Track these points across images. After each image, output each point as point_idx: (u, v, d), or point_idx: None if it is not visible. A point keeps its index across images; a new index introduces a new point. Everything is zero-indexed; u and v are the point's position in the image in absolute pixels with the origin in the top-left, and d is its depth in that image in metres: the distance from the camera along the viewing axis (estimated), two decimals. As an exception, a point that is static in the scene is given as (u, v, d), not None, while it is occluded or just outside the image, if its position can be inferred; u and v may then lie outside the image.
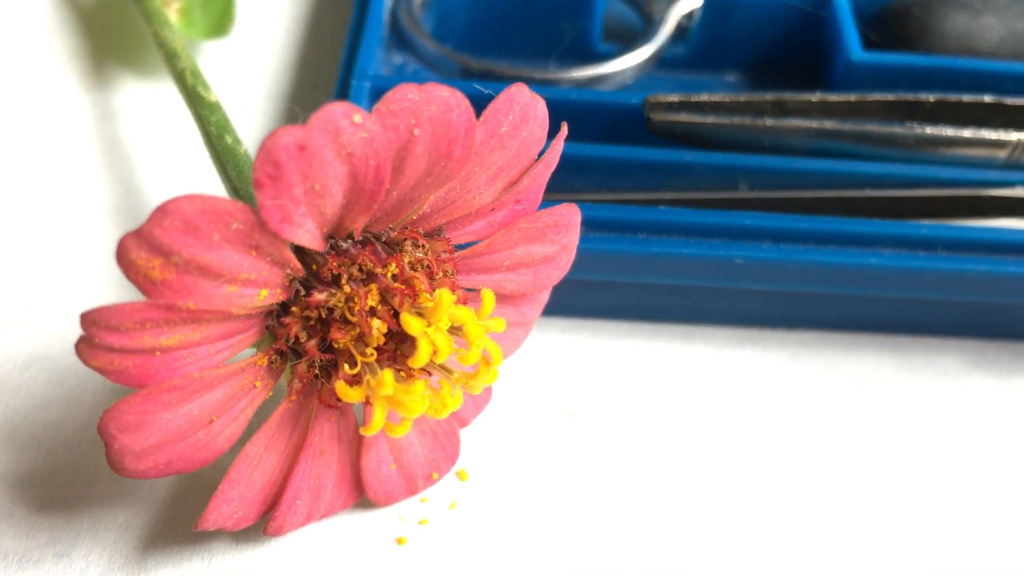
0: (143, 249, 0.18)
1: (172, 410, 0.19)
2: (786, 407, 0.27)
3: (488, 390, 0.26)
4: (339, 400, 0.21)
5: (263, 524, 0.23)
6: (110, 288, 0.28)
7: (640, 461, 0.26)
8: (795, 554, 0.24)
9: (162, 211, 0.17)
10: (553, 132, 0.22)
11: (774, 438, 0.26)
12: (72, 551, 0.23)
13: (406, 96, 0.18)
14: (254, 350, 0.21)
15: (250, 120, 0.33)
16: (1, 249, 0.29)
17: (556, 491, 0.25)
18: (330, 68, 0.35)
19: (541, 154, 0.22)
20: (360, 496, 0.24)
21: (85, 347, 0.18)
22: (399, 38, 0.32)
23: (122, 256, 0.18)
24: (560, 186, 0.27)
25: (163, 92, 0.34)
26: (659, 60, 0.33)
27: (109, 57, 0.35)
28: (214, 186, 0.28)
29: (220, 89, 0.27)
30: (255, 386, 0.21)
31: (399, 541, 0.24)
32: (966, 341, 0.29)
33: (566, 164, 0.26)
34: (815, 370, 0.28)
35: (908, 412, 0.27)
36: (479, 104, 0.20)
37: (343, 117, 0.18)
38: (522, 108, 0.21)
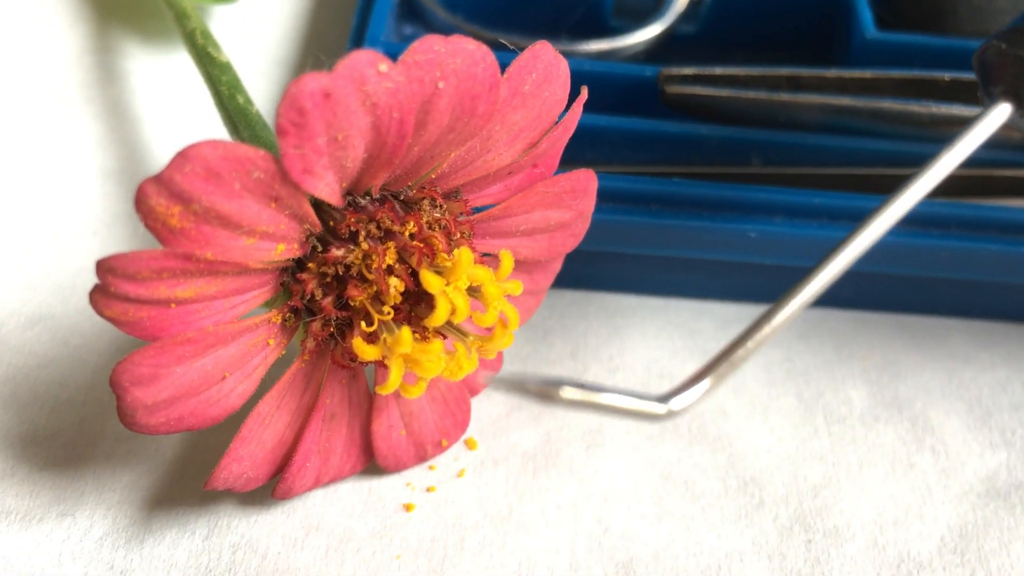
0: (163, 196, 0.17)
1: (185, 364, 0.19)
2: (794, 384, 0.27)
3: (500, 358, 0.25)
4: (353, 360, 0.21)
5: (270, 488, 0.23)
6: (114, 249, 0.28)
7: (648, 434, 0.25)
8: (793, 531, 0.24)
9: (183, 156, 0.17)
10: (571, 99, 0.22)
11: (781, 415, 0.26)
12: (76, 511, 0.23)
13: (432, 47, 0.18)
14: (267, 308, 0.21)
15: (257, 88, 0.32)
16: (5, 209, 0.29)
17: (565, 462, 0.25)
18: (339, 37, 0.34)
19: (560, 118, 0.22)
20: (369, 461, 0.24)
21: (100, 296, 0.18)
22: (409, 8, 0.32)
23: (141, 202, 0.17)
24: (573, 157, 0.27)
25: (169, 56, 0.33)
26: (670, 37, 0.33)
27: (114, 20, 0.34)
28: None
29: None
30: (268, 343, 0.20)
31: (407, 508, 0.24)
32: (974, 322, 0.29)
33: (579, 135, 0.26)
34: (824, 348, 0.28)
35: (917, 391, 0.27)
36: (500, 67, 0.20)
37: (369, 66, 0.17)
38: (545, 67, 0.20)
